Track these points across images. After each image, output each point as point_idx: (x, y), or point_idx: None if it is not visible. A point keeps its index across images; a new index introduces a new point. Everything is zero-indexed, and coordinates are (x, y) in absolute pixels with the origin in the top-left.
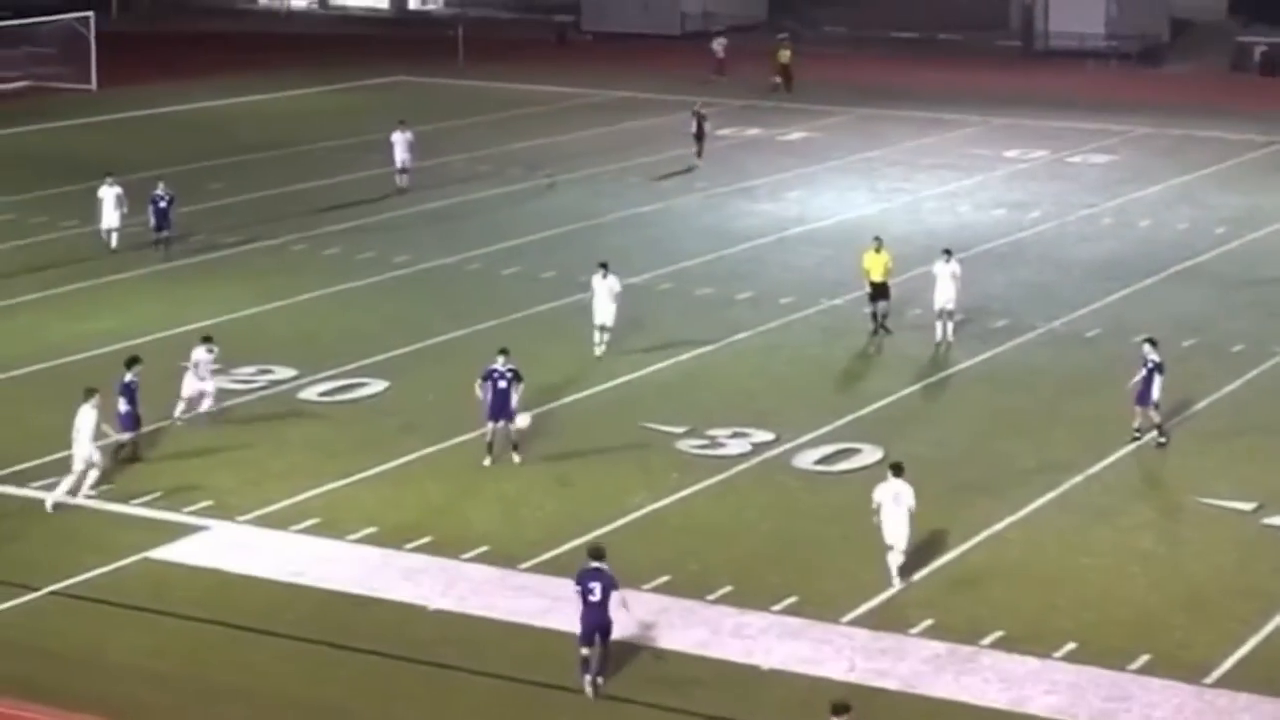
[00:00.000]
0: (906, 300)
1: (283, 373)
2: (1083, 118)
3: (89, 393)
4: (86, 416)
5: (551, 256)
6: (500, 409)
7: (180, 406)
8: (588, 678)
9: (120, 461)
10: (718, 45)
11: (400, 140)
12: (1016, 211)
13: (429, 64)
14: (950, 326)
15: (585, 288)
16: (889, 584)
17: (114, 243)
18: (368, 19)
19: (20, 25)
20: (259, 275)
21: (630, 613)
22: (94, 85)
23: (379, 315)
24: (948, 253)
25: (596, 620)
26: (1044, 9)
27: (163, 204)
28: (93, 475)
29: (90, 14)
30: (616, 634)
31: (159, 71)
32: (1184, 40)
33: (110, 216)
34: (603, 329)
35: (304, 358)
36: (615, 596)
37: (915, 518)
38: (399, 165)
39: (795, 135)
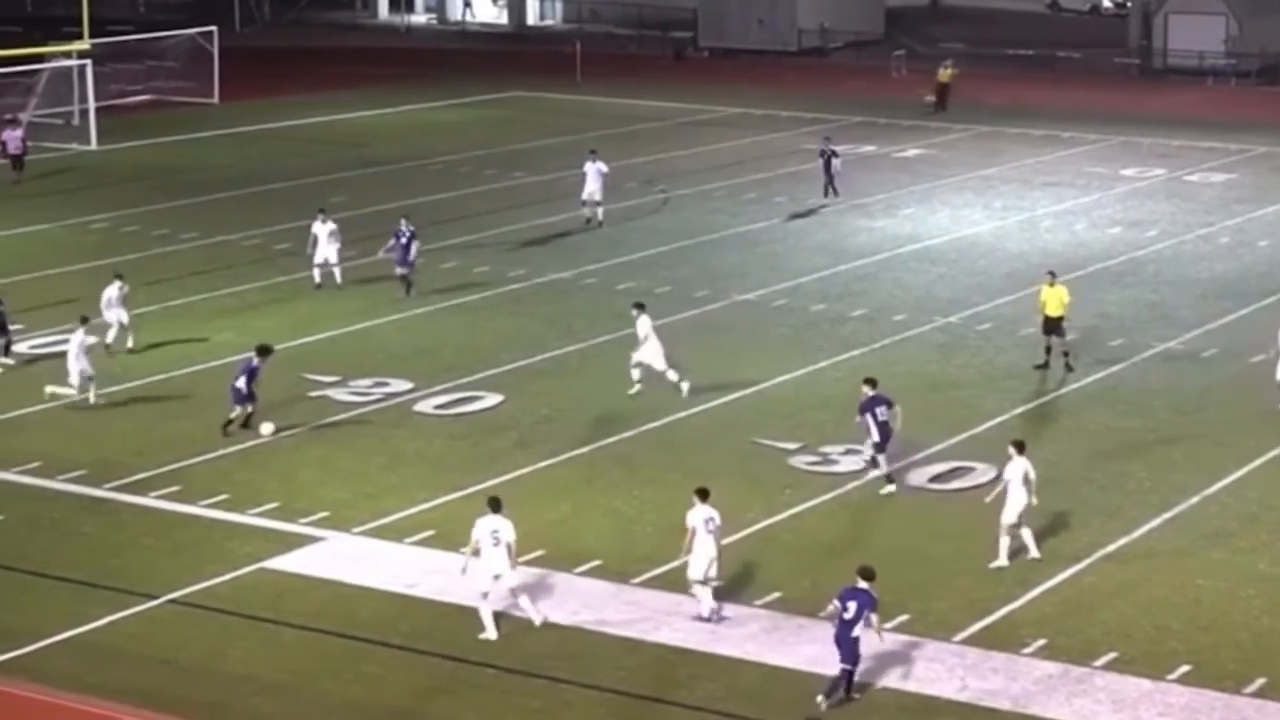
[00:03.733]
0: (1019, 318)
1: (398, 385)
2: (1201, 136)
3: (493, 502)
4: (487, 528)
5: (666, 272)
6: None
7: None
8: (832, 697)
9: (227, 430)
10: (944, 69)
11: (592, 170)
12: (1133, 230)
13: (546, 80)
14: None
15: (700, 303)
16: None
17: (338, 278)
18: (486, 34)
19: (144, 40)
20: (377, 288)
21: (881, 640)
22: (216, 99)
23: (494, 329)
24: None
25: (842, 636)
26: (1163, 27)
27: (404, 239)
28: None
29: (214, 29)
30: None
31: (280, 86)
32: None
33: (326, 251)
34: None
35: (419, 371)
36: (867, 618)
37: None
38: (586, 196)
39: (911, 152)
